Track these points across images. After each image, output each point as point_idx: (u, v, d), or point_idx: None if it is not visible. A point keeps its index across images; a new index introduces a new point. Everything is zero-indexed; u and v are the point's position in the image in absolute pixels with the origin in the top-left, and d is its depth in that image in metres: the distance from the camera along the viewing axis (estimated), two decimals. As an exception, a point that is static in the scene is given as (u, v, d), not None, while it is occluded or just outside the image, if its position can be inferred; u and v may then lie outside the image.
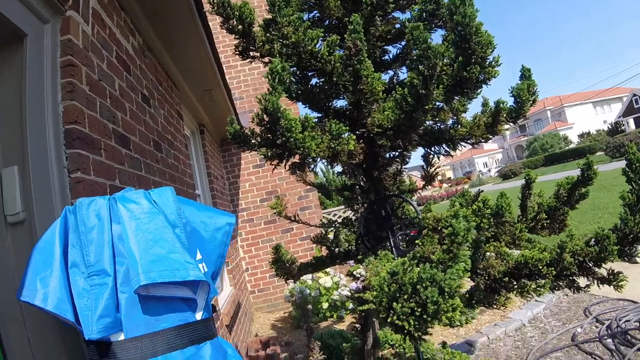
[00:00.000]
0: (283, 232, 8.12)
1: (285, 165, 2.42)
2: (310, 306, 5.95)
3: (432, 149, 2.73)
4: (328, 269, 6.82)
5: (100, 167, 1.91)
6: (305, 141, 1.97)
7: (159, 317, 1.17)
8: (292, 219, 3.13)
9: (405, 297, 1.51)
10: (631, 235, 2.11)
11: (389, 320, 1.55)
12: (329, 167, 2.41)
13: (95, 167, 1.86)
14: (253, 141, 2.46)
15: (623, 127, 49.21)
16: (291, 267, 3.29)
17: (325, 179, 17.35)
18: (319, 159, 2.29)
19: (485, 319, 5.81)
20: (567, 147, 48.32)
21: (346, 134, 2.08)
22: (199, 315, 1.25)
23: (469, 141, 2.63)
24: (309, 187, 8.35)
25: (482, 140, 2.64)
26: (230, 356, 1.27)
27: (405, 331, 1.53)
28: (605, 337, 4.67)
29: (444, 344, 3.70)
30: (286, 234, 8.12)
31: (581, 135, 53.73)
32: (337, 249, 3.04)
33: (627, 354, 4.17)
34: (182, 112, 4.41)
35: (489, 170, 54.35)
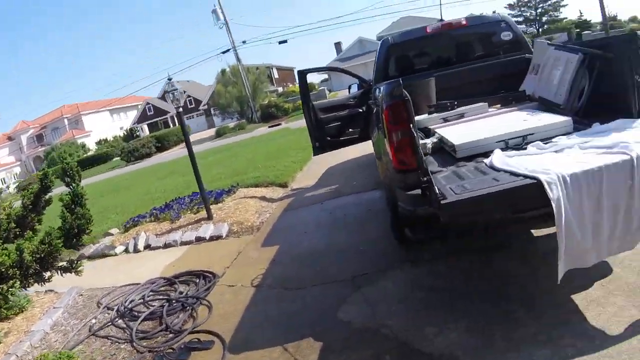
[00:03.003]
0: None
1: None
2: None
3: None
4: None
5: None
6: None
7: None
8: None
9: None
10: (73, 230, 2.53)
11: None
12: None
13: None
14: None
15: (138, 133, 53.24)
16: None
17: None
18: None
19: (10, 340, 5.59)
20: (85, 155, 48.94)
21: None
22: None
23: None
24: None
25: None
26: None
27: None
28: (117, 319, 5.21)
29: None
30: None
31: (99, 142, 55.32)
32: None
33: (134, 326, 4.82)
34: None
35: (8, 187, 49.34)
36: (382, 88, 3.63)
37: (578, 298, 3.23)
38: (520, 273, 3.82)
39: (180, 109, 7.61)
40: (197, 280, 5.55)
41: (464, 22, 5.85)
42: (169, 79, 7.79)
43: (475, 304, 3.53)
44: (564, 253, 2.70)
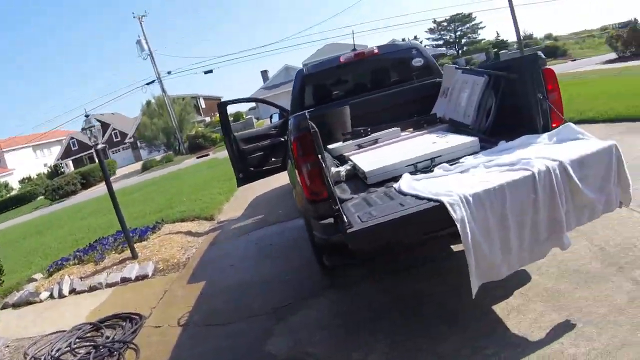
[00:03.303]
0: None
1: None
2: None
3: None
4: None
5: None
6: None
7: None
8: None
9: None
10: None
11: None
12: None
13: None
14: None
15: (63, 169, 50.96)
16: None
17: None
18: None
19: None
20: (8, 195, 46.25)
21: None
22: None
23: None
24: None
25: None
26: None
27: None
28: (43, 370, 4.95)
29: None
30: None
31: (22, 181, 52.52)
32: None
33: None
34: None
35: None
36: (290, 120, 3.66)
37: (499, 308, 3.35)
38: (441, 289, 3.92)
39: (99, 146, 7.37)
40: (124, 324, 5.37)
41: (375, 51, 6.01)
42: (86, 116, 7.54)
43: (398, 324, 3.59)
44: (475, 268, 2.77)
